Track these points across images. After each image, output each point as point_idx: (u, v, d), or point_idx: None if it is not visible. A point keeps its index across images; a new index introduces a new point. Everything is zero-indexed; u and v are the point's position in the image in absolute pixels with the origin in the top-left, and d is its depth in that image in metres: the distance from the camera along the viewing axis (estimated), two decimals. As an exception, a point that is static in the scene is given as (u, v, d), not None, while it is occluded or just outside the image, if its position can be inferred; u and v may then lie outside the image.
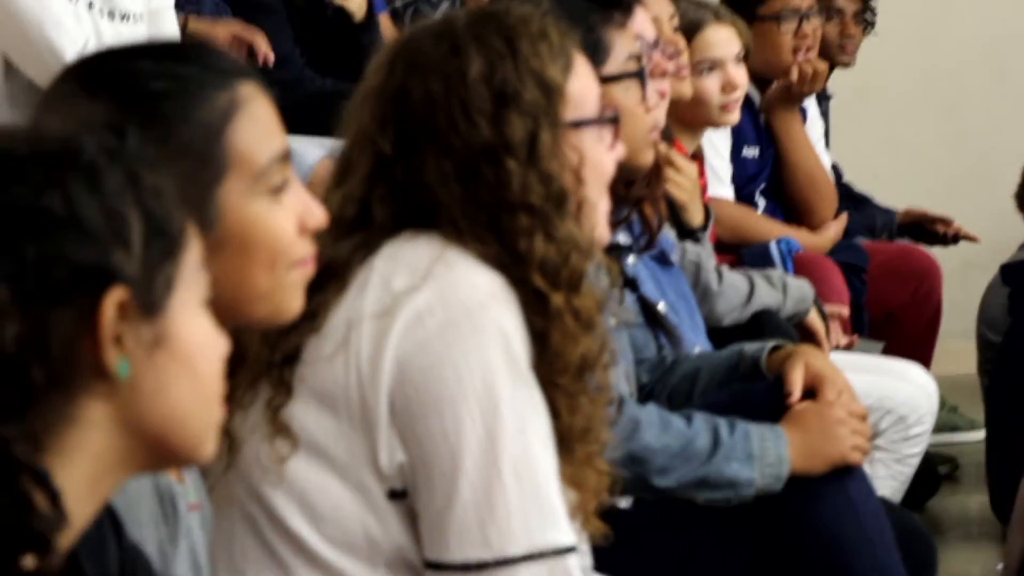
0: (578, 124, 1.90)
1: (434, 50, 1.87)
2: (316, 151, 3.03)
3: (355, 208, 1.86)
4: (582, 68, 1.93)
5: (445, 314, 1.76)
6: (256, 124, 1.58)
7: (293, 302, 1.61)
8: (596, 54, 2.43)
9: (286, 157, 1.59)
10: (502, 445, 1.75)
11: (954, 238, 4.96)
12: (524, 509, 1.75)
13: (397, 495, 1.79)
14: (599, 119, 1.94)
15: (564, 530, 1.78)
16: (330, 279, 1.78)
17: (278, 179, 1.58)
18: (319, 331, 1.80)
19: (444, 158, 1.83)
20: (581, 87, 1.92)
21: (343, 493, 1.79)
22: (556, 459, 1.81)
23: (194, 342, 1.28)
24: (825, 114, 4.85)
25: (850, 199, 4.80)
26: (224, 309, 1.37)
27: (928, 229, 4.94)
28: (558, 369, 1.85)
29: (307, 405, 1.80)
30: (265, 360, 1.80)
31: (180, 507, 1.66)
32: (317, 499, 1.79)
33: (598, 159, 1.93)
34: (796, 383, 2.54)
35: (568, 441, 1.86)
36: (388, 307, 1.78)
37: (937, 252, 4.83)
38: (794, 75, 4.29)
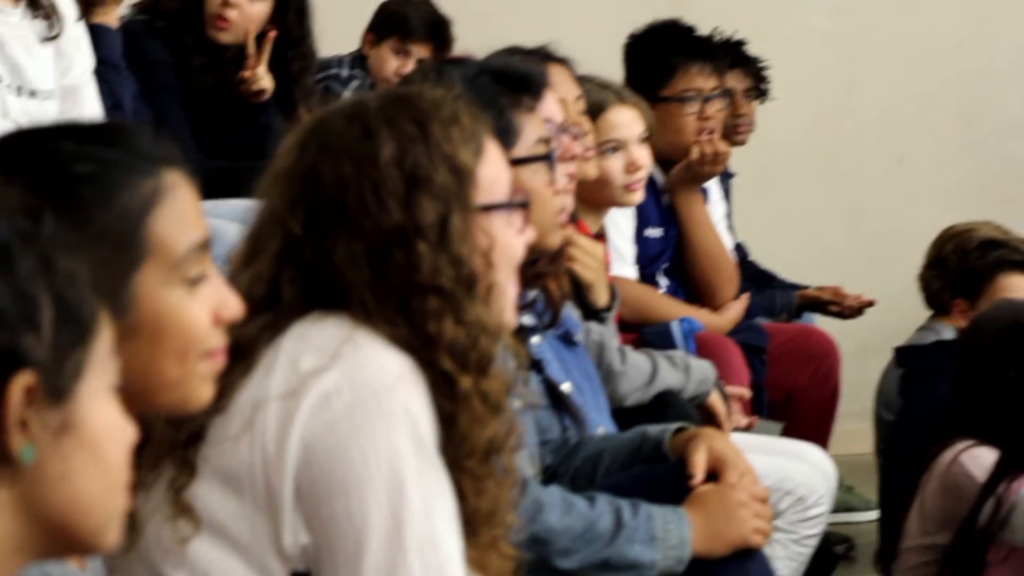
0: (488, 208, 1.92)
1: (346, 132, 1.87)
2: (234, 228, 3.01)
3: (264, 288, 1.85)
4: (493, 152, 1.95)
5: (352, 395, 1.76)
6: (178, 213, 1.56)
7: (202, 392, 1.59)
8: (505, 137, 2.45)
9: (206, 247, 1.58)
10: (407, 527, 1.74)
11: (852, 312, 5.00)
12: None
13: None
14: (509, 203, 1.95)
15: None
16: (237, 359, 1.77)
17: (196, 270, 1.56)
18: (224, 411, 1.78)
19: (354, 240, 1.83)
20: (492, 171, 1.93)
21: (245, 574, 1.77)
22: (461, 542, 1.80)
23: (102, 429, 1.26)
24: (727, 193, 4.89)
25: (756, 277, 4.84)
26: (132, 396, 1.36)
27: (825, 304, 4.99)
28: (465, 452, 1.85)
29: (211, 486, 1.78)
30: (169, 440, 1.79)
31: (82, 594, 1.63)
32: None
33: (508, 243, 1.94)
34: (699, 465, 2.55)
35: (473, 524, 1.86)
36: (295, 388, 1.77)
37: (835, 334, 4.88)
38: (695, 155, 4.32)
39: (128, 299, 1.53)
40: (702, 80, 4.43)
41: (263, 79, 3.89)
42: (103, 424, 1.26)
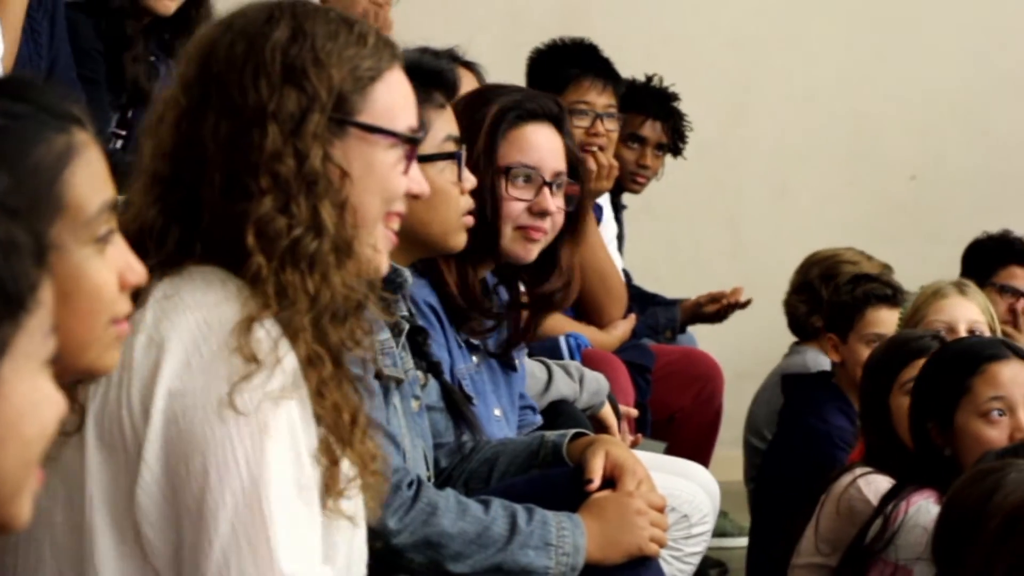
0: (369, 128, 1.90)
1: (255, 15, 1.90)
2: None
3: (166, 167, 1.86)
4: (397, 83, 1.94)
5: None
6: (90, 171, 1.56)
7: (109, 358, 1.59)
8: None
9: (114, 208, 1.57)
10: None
11: (732, 307, 5.02)
12: None
13: None
14: (392, 132, 1.92)
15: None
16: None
17: (104, 229, 1.56)
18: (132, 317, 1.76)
19: (223, 117, 1.85)
20: (389, 99, 1.93)
21: None
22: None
23: (22, 406, 1.23)
24: (619, 221, 4.90)
25: (638, 298, 4.85)
26: None
27: (707, 313, 5.02)
28: None
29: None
30: None
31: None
32: None
33: (384, 172, 1.92)
34: (596, 471, 2.53)
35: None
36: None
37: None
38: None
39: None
40: (595, 95, 4.44)
41: None
42: (24, 401, 1.22)
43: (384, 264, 1.95)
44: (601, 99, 4.44)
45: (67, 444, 1.76)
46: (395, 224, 1.96)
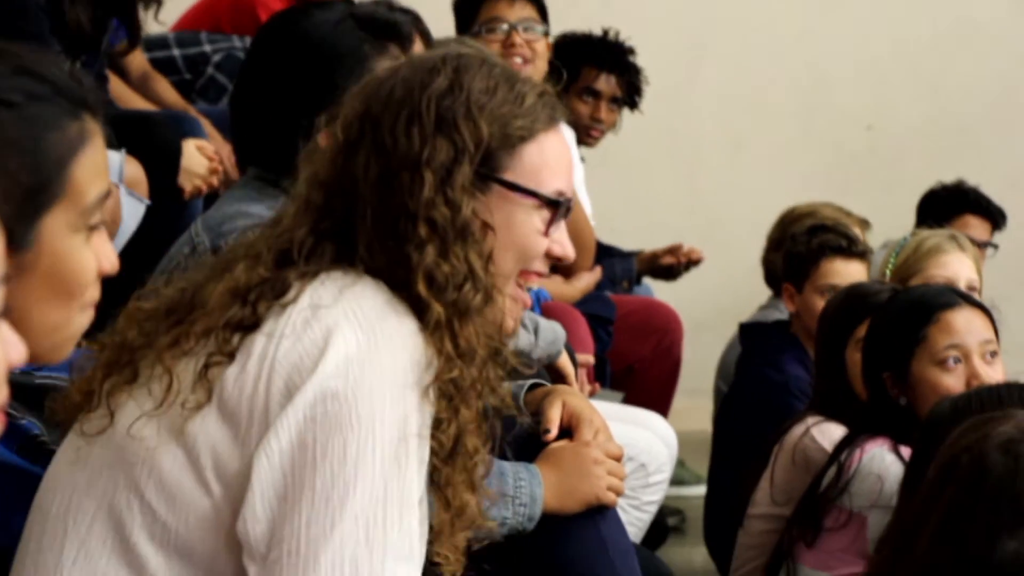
0: (512, 186, 1.95)
1: (420, 64, 1.96)
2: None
3: (320, 196, 1.92)
4: (551, 146, 1.98)
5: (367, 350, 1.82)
6: (94, 161, 1.59)
7: (68, 347, 1.62)
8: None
9: (107, 198, 1.61)
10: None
11: (686, 266, 5.05)
12: None
13: None
14: (536, 193, 1.96)
15: None
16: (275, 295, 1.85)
17: (97, 218, 1.59)
18: (285, 309, 1.83)
19: (374, 156, 1.90)
20: (539, 160, 1.97)
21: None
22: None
23: None
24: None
25: (596, 249, 4.87)
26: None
27: (663, 266, 5.04)
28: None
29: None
30: (222, 318, 1.83)
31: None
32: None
33: (524, 231, 1.96)
34: (554, 420, 2.53)
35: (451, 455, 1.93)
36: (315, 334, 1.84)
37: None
38: None
39: (33, 236, 1.53)
40: (504, 8, 4.44)
41: None
42: None
43: (512, 325, 2.00)
44: (513, 12, 4.44)
45: (192, 418, 1.81)
46: (533, 282, 2.03)
